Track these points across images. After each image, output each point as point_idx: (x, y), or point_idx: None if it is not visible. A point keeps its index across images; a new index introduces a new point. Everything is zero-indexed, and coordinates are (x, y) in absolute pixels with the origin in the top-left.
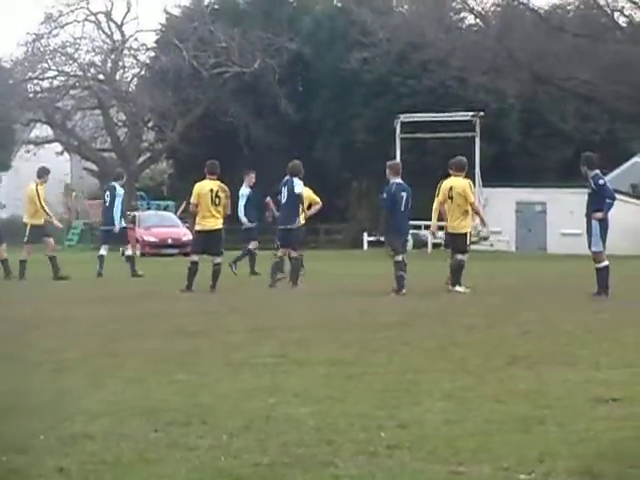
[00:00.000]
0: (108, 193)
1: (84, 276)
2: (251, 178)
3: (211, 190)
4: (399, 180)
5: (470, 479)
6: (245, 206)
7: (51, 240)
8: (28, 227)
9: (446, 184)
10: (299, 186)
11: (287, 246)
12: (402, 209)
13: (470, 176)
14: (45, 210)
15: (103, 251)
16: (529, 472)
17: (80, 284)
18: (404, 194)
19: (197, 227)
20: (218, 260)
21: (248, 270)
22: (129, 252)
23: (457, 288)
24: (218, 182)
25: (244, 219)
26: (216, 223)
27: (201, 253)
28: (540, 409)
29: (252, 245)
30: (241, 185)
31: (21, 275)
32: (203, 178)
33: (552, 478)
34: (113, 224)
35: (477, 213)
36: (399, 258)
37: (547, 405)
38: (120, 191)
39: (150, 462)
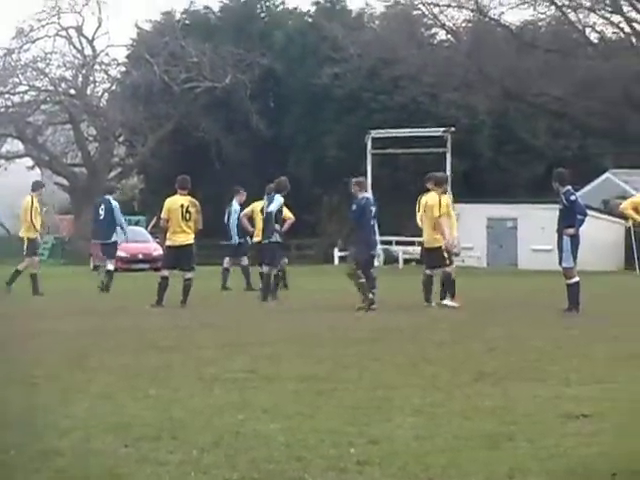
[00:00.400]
0: (103, 207)
1: (55, 291)
2: (242, 195)
3: (182, 205)
4: (368, 195)
5: None
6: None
7: (36, 258)
8: (25, 240)
9: (422, 199)
10: (275, 203)
11: (262, 261)
12: (371, 223)
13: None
14: (33, 224)
15: (110, 266)
16: None
17: (51, 299)
18: (373, 208)
19: (168, 242)
20: (189, 275)
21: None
22: (111, 267)
23: (446, 302)
24: (189, 197)
25: (235, 236)
26: (187, 238)
27: (172, 268)
28: (507, 425)
29: (244, 261)
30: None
31: (35, 290)
32: (174, 193)
33: None
34: (109, 237)
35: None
36: (359, 272)
37: (514, 421)
38: (115, 204)
39: (120, 478)
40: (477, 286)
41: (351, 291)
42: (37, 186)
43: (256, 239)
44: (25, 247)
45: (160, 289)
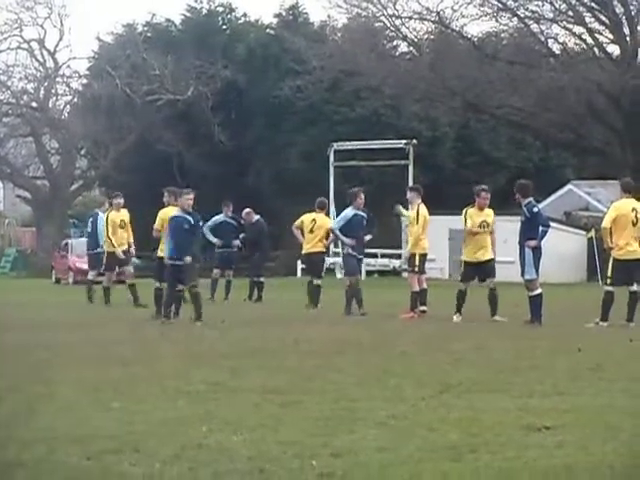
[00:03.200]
0: (92, 220)
1: (16, 303)
2: (229, 208)
3: None
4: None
5: None
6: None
7: (130, 268)
8: (105, 254)
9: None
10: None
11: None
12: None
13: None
14: (109, 239)
15: (90, 276)
16: None
17: (13, 311)
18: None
19: (160, 253)
20: (180, 287)
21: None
22: (90, 277)
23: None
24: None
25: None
26: None
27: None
28: (472, 437)
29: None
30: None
31: (106, 302)
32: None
33: None
34: (94, 248)
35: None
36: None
37: (479, 433)
38: (102, 216)
39: None
40: (440, 298)
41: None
42: (109, 198)
43: (304, 250)
44: (104, 262)
45: (158, 300)
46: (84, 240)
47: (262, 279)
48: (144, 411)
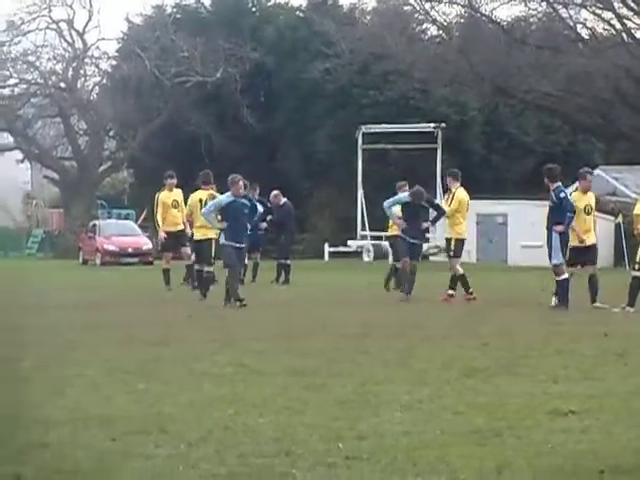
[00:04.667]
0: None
1: (44, 284)
2: (256, 191)
3: (200, 200)
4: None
5: None
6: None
7: (187, 250)
8: (160, 234)
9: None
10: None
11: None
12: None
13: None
14: (156, 218)
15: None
16: None
17: (40, 292)
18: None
19: (195, 237)
20: (208, 269)
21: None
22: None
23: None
24: (210, 191)
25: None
26: (205, 233)
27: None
28: (497, 421)
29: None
30: None
31: (166, 282)
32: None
33: None
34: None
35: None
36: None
37: (504, 417)
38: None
39: (107, 471)
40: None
41: (340, 286)
42: (166, 177)
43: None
44: (160, 242)
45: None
46: (112, 221)
47: (289, 261)
48: (170, 393)
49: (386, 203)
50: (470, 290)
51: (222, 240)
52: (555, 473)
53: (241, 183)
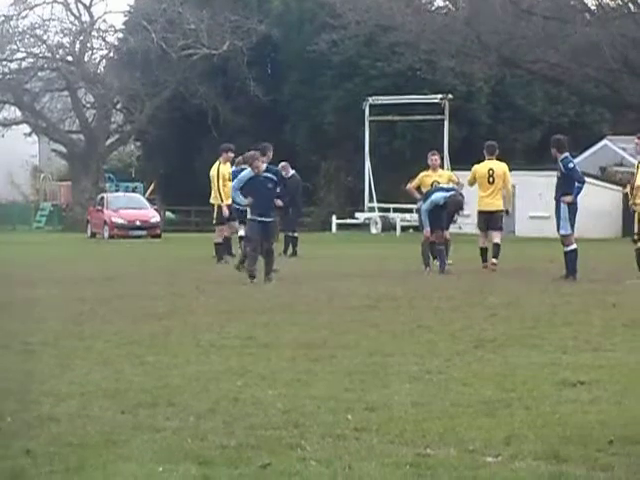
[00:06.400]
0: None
1: (52, 258)
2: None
3: None
4: None
5: (437, 462)
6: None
7: (236, 223)
8: (215, 208)
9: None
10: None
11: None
12: None
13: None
14: (219, 192)
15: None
16: (495, 455)
17: (48, 266)
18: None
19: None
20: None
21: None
22: (242, 232)
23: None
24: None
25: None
26: None
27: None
28: (506, 392)
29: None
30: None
31: (219, 258)
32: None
33: (518, 461)
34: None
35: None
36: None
37: (513, 388)
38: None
39: (116, 444)
40: (475, 254)
41: (347, 258)
42: (223, 149)
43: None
44: (214, 215)
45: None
46: (120, 194)
47: (297, 234)
48: (179, 365)
49: (424, 206)
50: (486, 264)
51: (249, 215)
52: (564, 443)
53: (260, 164)
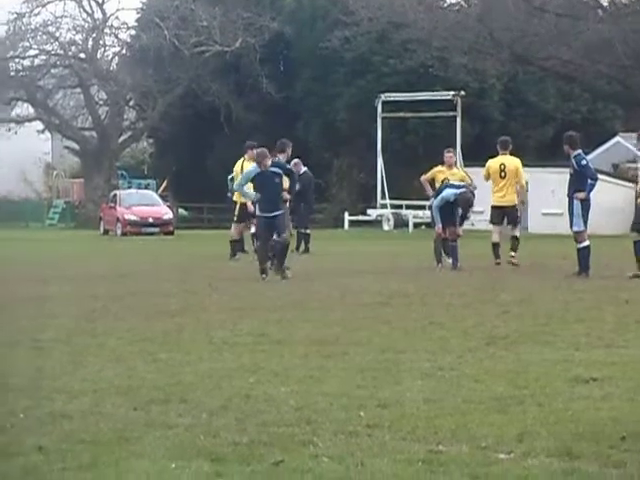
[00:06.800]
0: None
1: (65, 255)
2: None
3: None
4: None
5: (449, 458)
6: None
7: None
8: (237, 205)
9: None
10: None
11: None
12: None
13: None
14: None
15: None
16: (508, 452)
17: (61, 263)
18: None
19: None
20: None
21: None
22: (254, 229)
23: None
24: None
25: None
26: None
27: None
28: (519, 389)
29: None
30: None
31: (232, 255)
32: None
33: (531, 458)
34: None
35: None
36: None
37: (525, 385)
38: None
39: (129, 441)
40: (487, 250)
41: (359, 255)
42: (247, 146)
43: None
44: (236, 212)
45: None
46: (132, 191)
47: (309, 231)
48: (191, 362)
49: (435, 203)
50: (498, 260)
51: (257, 212)
52: (576, 440)
53: (268, 161)
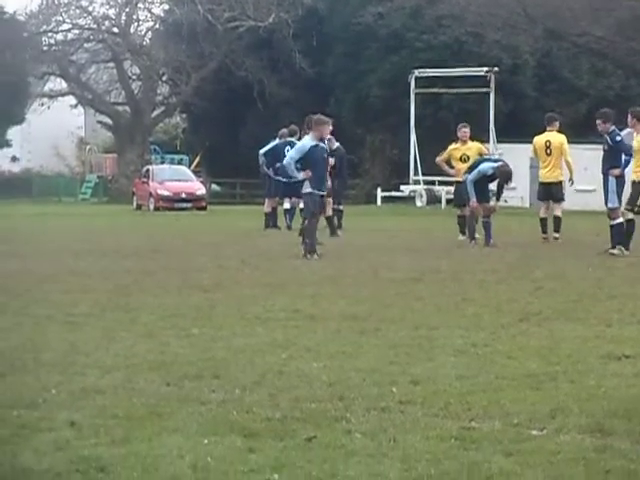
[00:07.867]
0: (288, 148)
1: (98, 230)
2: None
3: None
4: None
5: (482, 435)
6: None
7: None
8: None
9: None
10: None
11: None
12: None
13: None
14: None
15: (287, 204)
16: (541, 428)
17: (95, 238)
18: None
19: None
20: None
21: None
22: (287, 205)
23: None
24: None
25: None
26: None
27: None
28: (551, 365)
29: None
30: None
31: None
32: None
33: (563, 434)
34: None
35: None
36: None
37: (558, 361)
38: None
39: (161, 416)
40: (520, 226)
41: (392, 231)
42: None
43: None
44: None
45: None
46: (165, 166)
47: (342, 207)
48: (224, 338)
49: (470, 177)
50: (545, 235)
51: (308, 189)
52: (608, 417)
53: (327, 129)
